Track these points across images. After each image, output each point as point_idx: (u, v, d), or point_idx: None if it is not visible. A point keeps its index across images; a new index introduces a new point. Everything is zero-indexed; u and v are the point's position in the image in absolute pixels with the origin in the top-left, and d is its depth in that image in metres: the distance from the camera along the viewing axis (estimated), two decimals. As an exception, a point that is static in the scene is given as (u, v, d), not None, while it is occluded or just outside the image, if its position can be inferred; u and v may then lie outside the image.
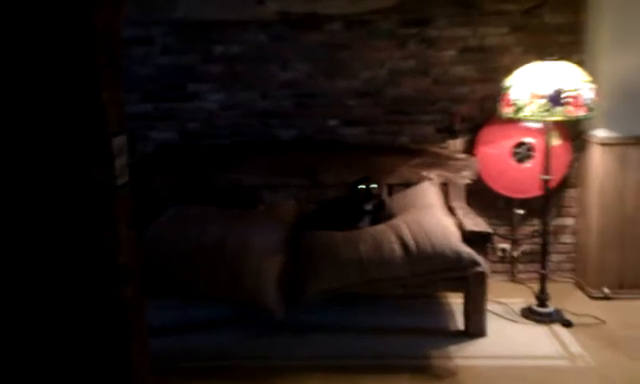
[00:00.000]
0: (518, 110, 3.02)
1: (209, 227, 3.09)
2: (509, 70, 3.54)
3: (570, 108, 2.94)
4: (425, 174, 3.60)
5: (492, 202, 3.81)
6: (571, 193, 3.83)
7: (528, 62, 3.34)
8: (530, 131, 3.58)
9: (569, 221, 3.87)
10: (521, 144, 3.64)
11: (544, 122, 3.14)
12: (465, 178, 3.61)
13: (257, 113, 3.77)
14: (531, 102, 2.97)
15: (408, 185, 3.62)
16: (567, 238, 3.89)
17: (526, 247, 3.88)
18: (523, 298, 3.63)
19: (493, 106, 3.63)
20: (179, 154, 3.73)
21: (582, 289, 3.76)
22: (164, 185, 3.65)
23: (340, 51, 3.69)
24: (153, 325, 3.24)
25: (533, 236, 3.85)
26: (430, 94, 3.72)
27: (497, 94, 3.58)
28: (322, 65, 3.70)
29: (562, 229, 3.87)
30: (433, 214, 3.16)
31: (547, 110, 2.95)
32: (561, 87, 2.93)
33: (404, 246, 2.93)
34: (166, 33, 3.71)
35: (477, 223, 3.14)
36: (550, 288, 3.43)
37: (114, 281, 2.01)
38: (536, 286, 3.67)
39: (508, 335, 3.17)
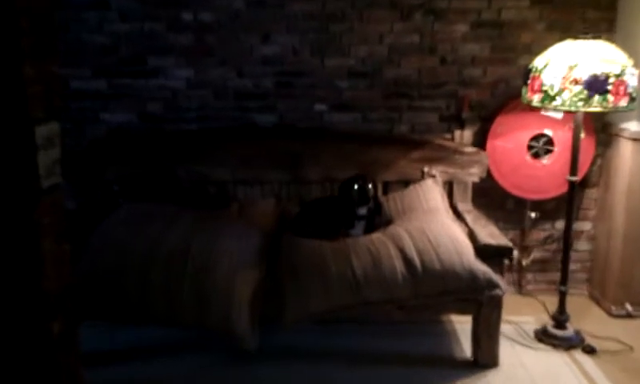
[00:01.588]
0: (549, 97, 2.50)
1: (168, 232, 2.55)
2: (528, 50, 3.09)
3: (610, 97, 2.43)
4: (427, 170, 3.08)
5: (500, 203, 3.32)
6: (589, 193, 3.34)
7: (550, 40, 2.85)
8: (549, 122, 3.07)
9: (585, 225, 3.40)
10: (538, 137, 3.13)
11: (578, 112, 2.62)
12: (473, 175, 3.10)
13: (231, 93, 3.19)
14: (565, 88, 2.45)
15: (407, 182, 3.11)
16: (582, 245, 3.42)
17: (535, 254, 3.39)
18: (534, 314, 3.16)
19: (507, 90, 3.15)
20: (136, 141, 3.14)
21: (598, 303, 3.30)
22: (117, 177, 3.06)
23: (331, 23, 3.11)
24: (100, 350, 2.79)
25: (545, 242, 3.37)
26: (435, 76, 3.18)
27: (513, 77, 3.13)
28: (309, 38, 3.13)
29: (576, 234, 3.38)
30: (439, 221, 2.65)
31: (583, 99, 2.44)
32: (601, 72, 2.41)
33: (406, 261, 2.41)
34: (125, -5, 3.10)
35: (491, 233, 2.64)
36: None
37: (36, 313, 1.55)
38: (547, 300, 3.24)
39: (523, 365, 2.69)
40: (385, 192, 3.09)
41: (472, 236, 2.61)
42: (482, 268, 2.41)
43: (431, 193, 2.95)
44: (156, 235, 2.52)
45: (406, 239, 2.50)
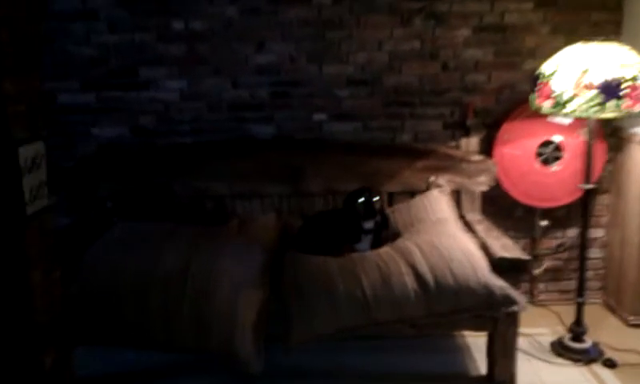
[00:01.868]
0: (561, 104, 2.39)
1: (165, 252, 2.41)
2: (533, 54, 2.99)
3: (627, 101, 2.32)
4: (433, 179, 2.96)
5: (509, 211, 3.20)
6: (601, 199, 3.23)
7: (555, 43, 2.78)
8: (557, 128, 2.97)
9: (597, 232, 3.28)
10: (547, 143, 3.02)
11: (592, 118, 2.51)
12: (481, 184, 2.98)
13: (226, 105, 3.06)
14: (578, 95, 2.34)
15: (412, 193, 2.98)
16: (595, 252, 3.30)
17: (547, 263, 3.27)
18: (549, 325, 3.05)
19: (513, 96, 3.05)
20: (129, 156, 3.00)
21: (614, 312, 3.19)
22: (110, 193, 2.92)
23: (328, 29, 2.99)
24: (95, 373, 2.64)
25: (557, 251, 3.25)
26: (438, 83, 3.06)
27: (518, 82, 3.04)
28: (305, 46, 3.01)
29: (589, 241, 3.24)
30: (449, 233, 2.52)
31: (598, 105, 2.33)
32: (617, 76, 2.30)
33: (418, 278, 2.28)
34: (114, 5, 2.95)
35: (505, 245, 2.50)
36: (575, 311, 2.82)
37: (28, 346, 1.48)
38: (561, 309, 3.14)
39: (542, 381, 2.56)
40: (390, 203, 2.97)
41: (485, 248, 2.48)
42: (497, 283, 2.27)
43: (439, 203, 2.82)
44: (152, 255, 2.39)
45: (416, 254, 2.37)
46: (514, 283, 2.36)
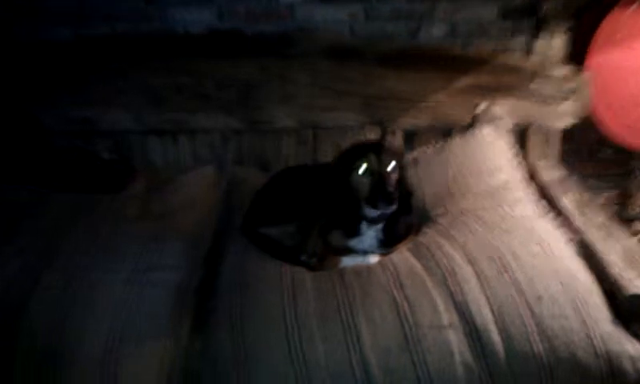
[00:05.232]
0: None
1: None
2: None
3: None
4: (483, 108, 1.81)
5: (591, 150, 2.17)
6: None
7: None
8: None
9: None
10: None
11: None
12: (565, 116, 1.86)
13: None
14: None
15: (448, 131, 1.85)
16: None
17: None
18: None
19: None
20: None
21: None
22: None
23: None
24: None
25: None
26: None
27: None
28: None
29: None
30: (526, 227, 1.38)
31: None
32: None
33: (473, 334, 1.17)
34: None
35: (628, 252, 1.35)
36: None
37: None
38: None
39: None
40: (409, 146, 1.80)
41: (589, 257, 1.34)
42: (628, 349, 1.16)
43: (495, 152, 1.73)
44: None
45: (467, 279, 1.24)
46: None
